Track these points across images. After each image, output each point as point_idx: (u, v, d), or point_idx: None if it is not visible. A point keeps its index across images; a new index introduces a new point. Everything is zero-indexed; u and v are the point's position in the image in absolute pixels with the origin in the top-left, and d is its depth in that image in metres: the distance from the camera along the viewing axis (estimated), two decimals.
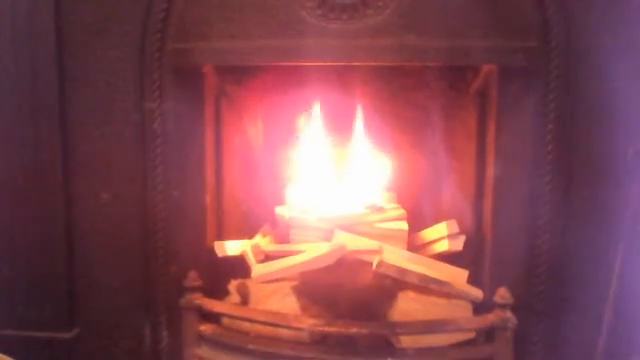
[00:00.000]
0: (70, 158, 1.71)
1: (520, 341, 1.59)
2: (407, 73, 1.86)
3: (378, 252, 1.65)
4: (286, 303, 1.67)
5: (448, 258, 1.77)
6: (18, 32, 1.64)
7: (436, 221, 1.82)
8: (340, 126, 1.90)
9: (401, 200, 1.89)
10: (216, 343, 1.65)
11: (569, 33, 1.54)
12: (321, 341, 1.63)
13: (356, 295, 1.69)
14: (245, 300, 1.72)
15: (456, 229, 1.77)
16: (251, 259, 1.74)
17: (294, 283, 1.70)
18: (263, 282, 1.70)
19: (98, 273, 1.75)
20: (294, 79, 1.83)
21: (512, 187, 1.65)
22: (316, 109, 1.87)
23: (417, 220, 1.85)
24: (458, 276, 1.71)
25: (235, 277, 1.79)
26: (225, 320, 1.69)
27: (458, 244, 1.77)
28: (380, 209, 1.79)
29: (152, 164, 1.69)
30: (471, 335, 1.64)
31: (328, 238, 1.73)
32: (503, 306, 1.56)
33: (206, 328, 1.67)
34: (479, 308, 1.67)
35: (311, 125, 1.88)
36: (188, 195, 1.74)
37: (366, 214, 1.77)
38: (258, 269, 1.71)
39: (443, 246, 1.78)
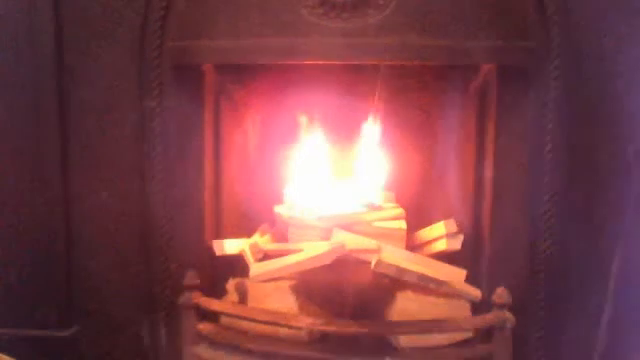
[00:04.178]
0: (69, 157, 1.71)
1: (518, 341, 1.59)
2: (407, 72, 1.86)
3: (377, 251, 1.65)
4: (284, 302, 1.67)
5: (446, 257, 1.77)
6: (18, 31, 1.63)
7: (435, 220, 1.83)
8: (339, 125, 1.90)
9: (400, 199, 1.90)
10: (214, 342, 1.65)
11: (569, 33, 1.54)
12: (319, 340, 1.63)
13: (355, 294, 1.69)
14: (243, 299, 1.72)
15: (454, 228, 1.77)
16: (249, 258, 1.74)
17: (292, 282, 1.70)
18: (261, 281, 1.70)
19: (97, 271, 1.75)
20: (293, 78, 1.83)
21: (511, 187, 1.65)
22: (315, 109, 1.87)
23: (416, 219, 1.85)
24: (456, 276, 1.71)
25: (234, 276, 1.79)
26: (223, 319, 1.69)
27: (456, 243, 1.77)
28: (379, 208, 1.79)
29: (151, 162, 1.69)
30: (469, 335, 1.64)
31: (326, 237, 1.72)
32: (501, 306, 1.57)
33: (205, 327, 1.67)
34: (477, 308, 1.67)
35: (310, 124, 1.88)
36: (187, 194, 1.73)
37: (365, 213, 1.77)
38: (256, 268, 1.71)
39: (441, 245, 1.78)
